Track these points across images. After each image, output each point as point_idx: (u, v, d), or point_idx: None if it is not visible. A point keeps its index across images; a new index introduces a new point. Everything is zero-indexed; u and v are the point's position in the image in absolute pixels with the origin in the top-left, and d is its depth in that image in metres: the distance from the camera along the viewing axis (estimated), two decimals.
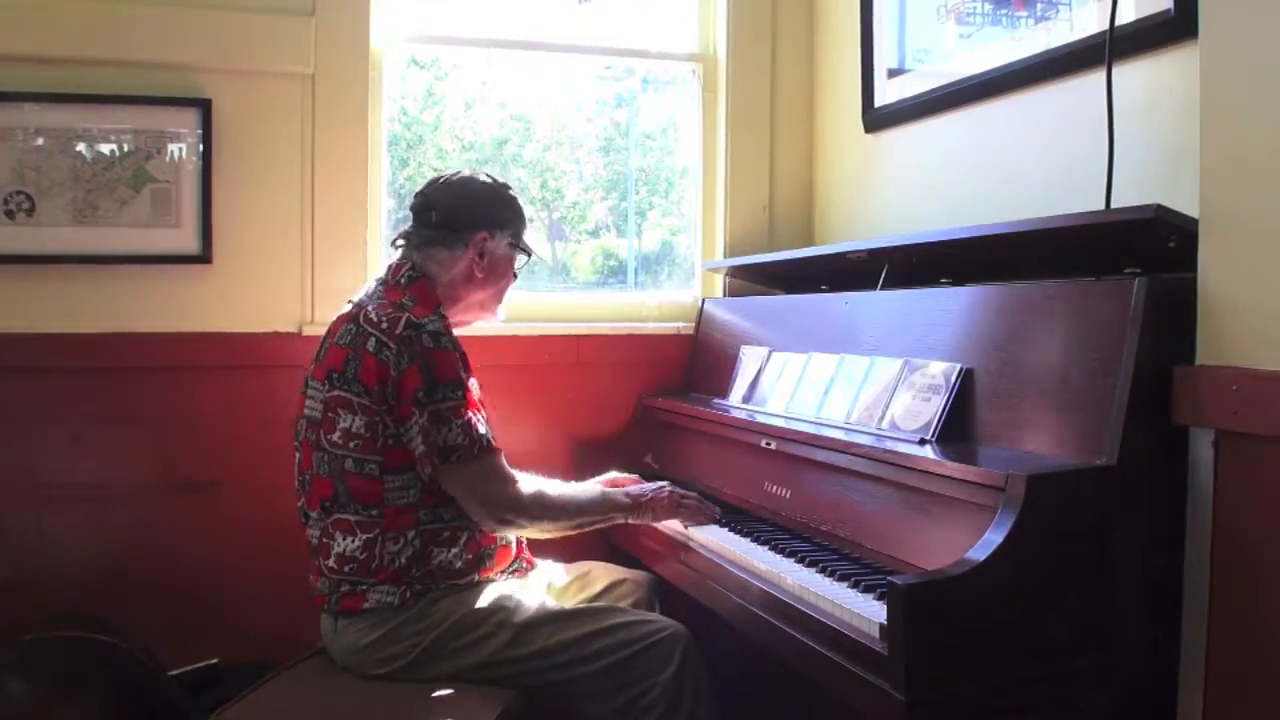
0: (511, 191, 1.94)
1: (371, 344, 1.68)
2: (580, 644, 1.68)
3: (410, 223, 1.90)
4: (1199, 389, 1.34)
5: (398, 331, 1.67)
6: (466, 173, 1.94)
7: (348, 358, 1.70)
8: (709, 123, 2.74)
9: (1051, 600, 1.32)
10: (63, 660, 1.84)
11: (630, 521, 1.90)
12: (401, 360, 1.66)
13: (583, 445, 2.53)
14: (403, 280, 1.81)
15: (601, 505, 1.87)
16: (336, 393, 1.70)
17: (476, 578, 1.76)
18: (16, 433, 2.20)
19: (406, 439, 1.68)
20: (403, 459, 1.69)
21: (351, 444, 1.69)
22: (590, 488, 1.94)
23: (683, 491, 1.93)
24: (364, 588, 1.68)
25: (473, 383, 1.76)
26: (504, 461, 1.74)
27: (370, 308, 1.73)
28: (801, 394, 2.00)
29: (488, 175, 1.94)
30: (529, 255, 1.96)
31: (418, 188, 1.94)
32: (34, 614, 1.97)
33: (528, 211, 1.98)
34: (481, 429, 1.70)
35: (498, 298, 1.94)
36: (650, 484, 1.95)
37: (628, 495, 1.89)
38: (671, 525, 1.92)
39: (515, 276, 1.97)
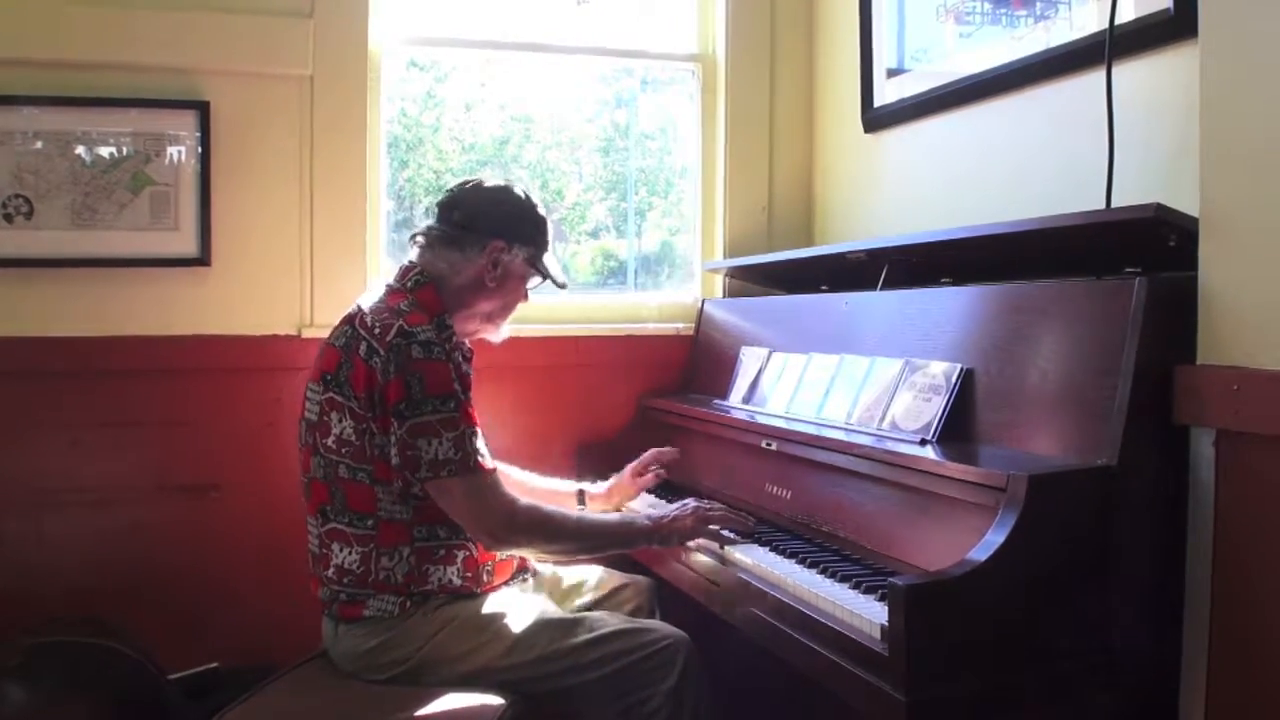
0: (542, 213, 1.89)
1: (363, 349, 1.66)
2: (580, 651, 1.67)
3: (434, 219, 1.86)
4: (1200, 389, 1.34)
5: (388, 339, 1.64)
6: (505, 184, 1.90)
7: (341, 361, 1.69)
8: (708, 123, 2.74)
9: (1053, 600, 1.32)
10: (63, 664, 1.83)
11: (656, 547, 1.81)
12: (389, 369, 1.63)
13: (583, 446, 2.52)
14: (409, 284, 1.78)
15: (615, 527, 1.83)
16: (330, 395, 1.69)
17: (478, 591, 1.75)
18: (15, 436, 2.20)
19: (386, 450, 1.65)
20: (392, 470, 1.66)
21: (344, 450, 1.68)
22: (609, 515, 1.90)
23: (708, 504, 1.81)
24: (363, 597, 1.68)
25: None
26: (498, 480, 1.69)
27: (368, 311, 1.72)
28: (802, 394, 2.00)
29: (527, 193, 1.89)
30: (544, 278, 1.90)
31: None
32: (34, 618, 1.97)
33: (554, 237, 1.92)
34: (477, 444, 1.67)
35: (505, 313, 1.90)
36: (673, 504, 1.83)
37: (648, 519, 1.80)
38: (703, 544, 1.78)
39: (526, 297, 1.93)
